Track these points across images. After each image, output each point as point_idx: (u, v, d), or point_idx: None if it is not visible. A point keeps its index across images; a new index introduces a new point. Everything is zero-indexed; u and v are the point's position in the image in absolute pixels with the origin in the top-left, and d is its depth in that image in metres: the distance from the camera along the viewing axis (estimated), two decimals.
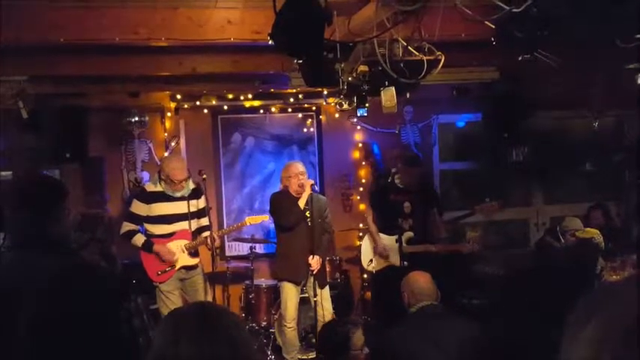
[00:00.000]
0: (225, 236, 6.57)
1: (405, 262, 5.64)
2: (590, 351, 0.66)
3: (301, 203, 5.47)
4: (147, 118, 6.74)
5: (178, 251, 5.37)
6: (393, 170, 6.24)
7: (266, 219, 5.91)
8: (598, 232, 5.79)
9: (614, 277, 5.28)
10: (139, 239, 5.35)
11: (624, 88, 5.80)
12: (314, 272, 5.43)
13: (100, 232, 5.40)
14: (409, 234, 5.88)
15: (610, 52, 4.14)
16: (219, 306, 2.10)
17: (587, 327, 0.68)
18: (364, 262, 6.16)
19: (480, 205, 6.07)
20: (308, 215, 5.46)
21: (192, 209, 5.42)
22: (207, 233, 5.44)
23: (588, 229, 5.92)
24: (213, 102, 7.00)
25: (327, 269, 6.19)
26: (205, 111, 7.14)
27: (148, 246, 5.32)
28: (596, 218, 6.59)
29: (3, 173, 5.94)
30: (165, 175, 5.37)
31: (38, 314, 1.46)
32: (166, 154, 6.86)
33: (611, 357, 0.64)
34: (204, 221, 5.53)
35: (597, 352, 0.65)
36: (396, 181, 6.05)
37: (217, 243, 5.46)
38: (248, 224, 5.82)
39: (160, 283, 5.35)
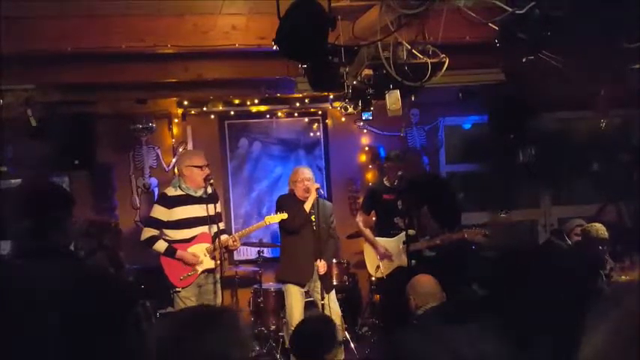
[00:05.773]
0: None
1: (413, 261, 5.64)
2: (606, 343, 0.68)
3: (307, 206, 5.49)
4: (154, 125, 6.79)
5: (201, 255, 5.26)
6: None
7: (285, 217, 5.58)
8: (601, 224, 5.71)
9: (624, 277, 5.24)
10: (162, 245, 5.19)
11: (631, 88, 5.77)
12: (320, 275, 5.44)
13: (107, 238, 5.41)
14: (410, 231, 5.79)
15: (615, 52, 4.12)
16: (218, 307, 2.13)
17: (605, 320, 0.69)
18: (371, 270, 6.12)
19: (493, 217, 6.10)
20: (313, 219, 5.47)
21: (211, 213, 5.26)
22: (225, 236, 5.37)
23: (592, 223, 5.84)
24: (220, 107, 7.04)
25: (335, 273, 6.20)
26: (212, 116, 7.17)
27: (170, 252, 5.18)
28: (608, 213, 6.51)
29: (12, 181, 5.99)
30: (187, 166, 5.29)
31: (43, 323, 1.48)
32: (174, 160, 6.90)
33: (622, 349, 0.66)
34: (221, 225, 5.43)
35: (612, 344, 0.67)
36: (385, 182, 6.15)
37: (238, 244, 5.43)
38: (267, 224, 5.63)
39: (183, 288, 5.20)
